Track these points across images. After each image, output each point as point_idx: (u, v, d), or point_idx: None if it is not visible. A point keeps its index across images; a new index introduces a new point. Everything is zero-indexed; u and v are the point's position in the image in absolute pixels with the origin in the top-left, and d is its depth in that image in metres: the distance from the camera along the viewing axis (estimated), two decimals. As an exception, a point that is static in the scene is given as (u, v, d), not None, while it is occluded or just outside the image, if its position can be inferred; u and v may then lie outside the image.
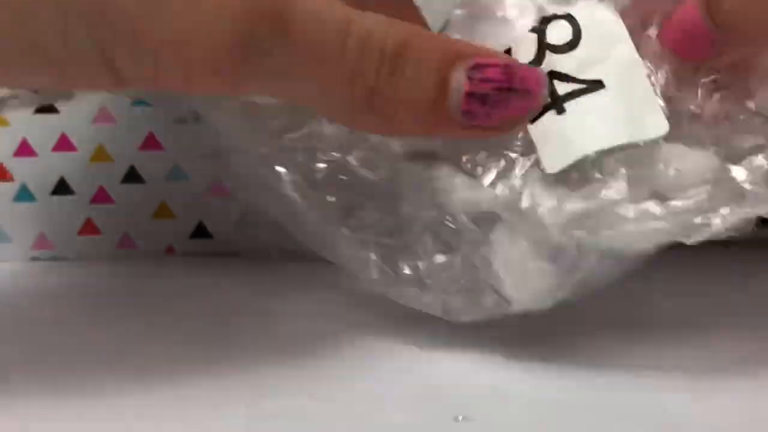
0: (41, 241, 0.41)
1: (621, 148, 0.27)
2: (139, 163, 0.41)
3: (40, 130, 0.40)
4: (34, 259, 0.41)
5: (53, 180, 0.40)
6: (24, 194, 0.40)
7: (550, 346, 0.31)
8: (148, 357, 0.30)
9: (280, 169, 0.30)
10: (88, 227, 0.41)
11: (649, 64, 0.28)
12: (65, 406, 0.27)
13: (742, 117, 0.28)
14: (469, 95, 0.25)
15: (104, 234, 0.41)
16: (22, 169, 0.40)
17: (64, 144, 0.40)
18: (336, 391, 0.28)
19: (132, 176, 0.41)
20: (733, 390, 0.28)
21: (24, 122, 0.40)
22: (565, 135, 0.27)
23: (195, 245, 0.42)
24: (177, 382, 0.28)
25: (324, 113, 0.27)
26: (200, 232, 0.42)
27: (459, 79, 0.25)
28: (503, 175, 0.28)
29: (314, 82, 0.25)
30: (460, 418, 0.26)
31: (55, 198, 0.41)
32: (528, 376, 0.29)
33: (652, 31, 0.28)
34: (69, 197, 0.41)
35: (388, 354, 0.30)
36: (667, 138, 0.27)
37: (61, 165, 0.40)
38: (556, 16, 0.29)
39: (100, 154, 0.40)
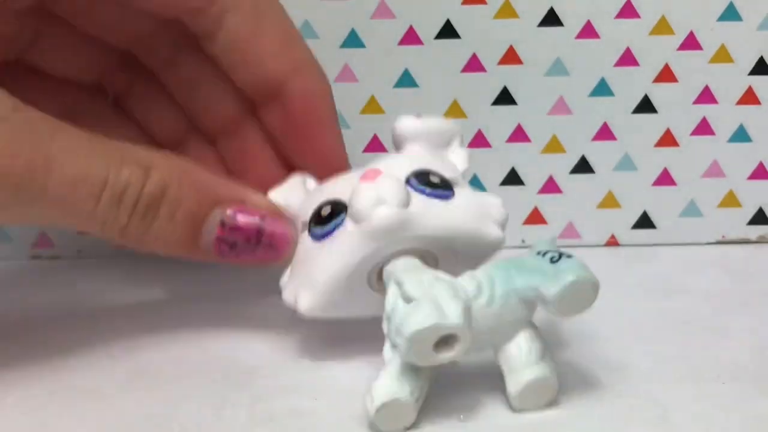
0: (42, 240, 0.41)
1: None
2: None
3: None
4: (35, 257, 0.41)
5: (54, 179, 0.40)
6: (25, 193, 0.40)
7: (548, 343, 0.31)
8: (147, 356, 0.30)
9: None
10: (89, 226, 0.41)
11: None
12: (64, 404, 0.27)
13: None
14: (220, 239, 0.28)
15: (105, 233, 0.41)
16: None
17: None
18: (337, 390, 0.28)
19: (132, 175, 0.41)
20: (733, 390, 0.28)
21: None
22: None
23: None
24: (176, 380, 0.28)
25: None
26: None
27: (213, 224, 0.28)
28: None
29: (67, 220, 0.27)
30: (462, 417, 0.26)
31: (56, 197, 0.41)
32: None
33: None
34: (70, 196, 0.41)
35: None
36: None
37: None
38: None
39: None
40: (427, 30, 0.40)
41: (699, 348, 0.31)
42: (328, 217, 0.28)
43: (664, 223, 0.43)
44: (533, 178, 0.42)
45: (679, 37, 0.40)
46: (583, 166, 0.42)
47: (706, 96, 0.41)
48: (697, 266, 0.40)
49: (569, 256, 0.26)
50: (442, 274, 0.26)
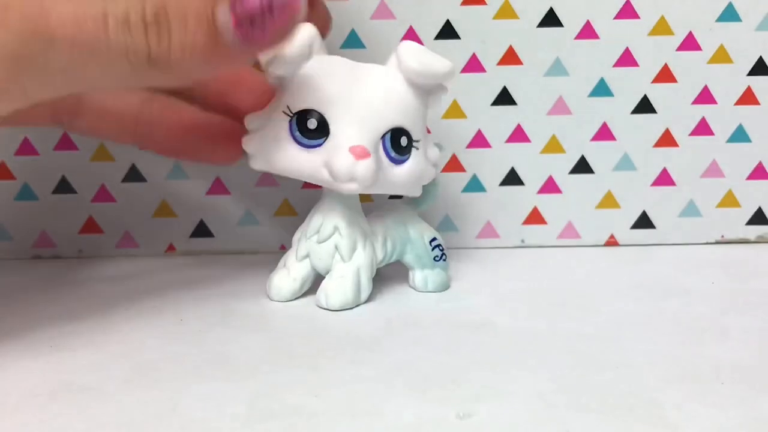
0: (43, 240, 0.41)
1: None
2: (140, 162, 0.41)
3: (42, 129, 0.40)
4: (35, 257, 0.41)
5: (55, 179, 0.41)
6: (26, 193, 0.41)
7: (548, 342, 0.31)
8: (148, 354, 0.30)
9: None
10: (90, 226, 0.41)
11: None
12: (66, 403, 0.27)
13: None
14: (238, 24, 0.28)
15: (105, 233, 0.41)
16: (24, 168, 0.40)
17: (65, 143, 0.40)
18: (337, 388, 0.28)
19: (133, 175, 0.41)
20: (733, 390, 0.28)
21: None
22: None
23: (196, 244, 0.42)
24: (177, 378, 0.29)
25: (114, 88, 0.30)
26: (201, 230, 0.42)
27: (224, 14, 0.28)
28: None
29: (94, 69, 0.27)
30: (462, 414, 0.26)
31: (57, 197, 0.41)
32: (527, 373, 0.29)
33: None
34: (70, 196, 0.41)
35: (389, 351, 0.31)
36: None
37: (62, 164, 0.40)
38: None
39: (101, 153, 0.40)
40: (427, 30, 0.40)
41: (698, 348, 0.31)
42: (314, 132, 0.33)
43: (663, 223, 0.43)
44: (533, 178, 0.42)
45: (679, 38, 0.40)
46: (582, 166, 0.42)
47: (705, 96, 0.41)
48: (696, 266, 0.40)
49: (444, 260, 0.37)
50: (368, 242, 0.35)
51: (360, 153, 0.32)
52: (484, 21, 0.40)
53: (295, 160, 0.33)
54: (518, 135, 0.41)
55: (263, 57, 0.33)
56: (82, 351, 0.31)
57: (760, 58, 0.41)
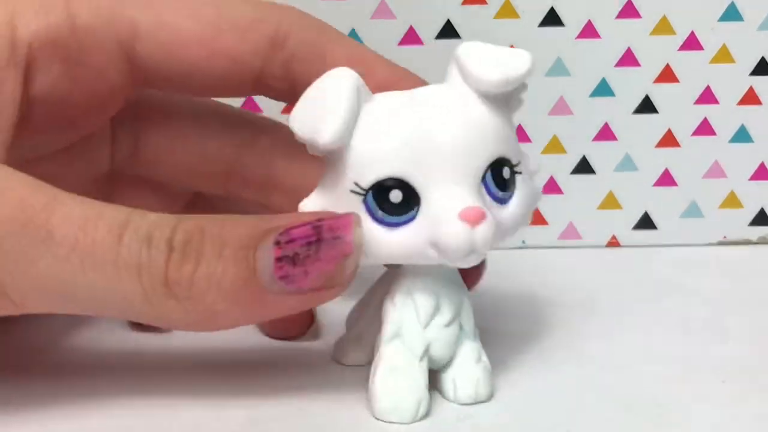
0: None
1: None
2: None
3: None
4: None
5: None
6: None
7: (549, 343, 0.31)
8: (147, 357, 0.30)
9: None
10: (89, 226, 0.41)
11: None
12: (67, 405, 0.27)
13: None
14: (279, 260, 0.24)
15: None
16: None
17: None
18: (338, 390, 0.28)
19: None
20: (733, 390, 0.28)
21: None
22: None
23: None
24: (176, 381, 0.28)
25: (117, 315, 0.26)
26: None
27: (267, 249, 0.24)
28: None
29: (97, 282, 0.23)
30: (462, 416, 0.26)
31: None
32: (527, 373, 0.29)
33: None
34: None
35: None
36: None
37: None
38: None
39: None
40: (427, 30, 0.40)
41: (699, 348, 0.31)
42: (401, 206, 0.25)
43: (664, 223, 0.42)
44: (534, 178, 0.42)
45: (680, 37, 0.40)
46: (583, 167, 0.42)
47: (707, 96, 0.41)
48: (698, 267, 0.40)
49: None
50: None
51: (475, 217, 0.24)
52: (484, 21, 0.40)
53: (387, 245, 0.25)
54: (519, 135, 0.40)
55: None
56: (81, 354, 0.31)
57: (763, 58, 0.41)
